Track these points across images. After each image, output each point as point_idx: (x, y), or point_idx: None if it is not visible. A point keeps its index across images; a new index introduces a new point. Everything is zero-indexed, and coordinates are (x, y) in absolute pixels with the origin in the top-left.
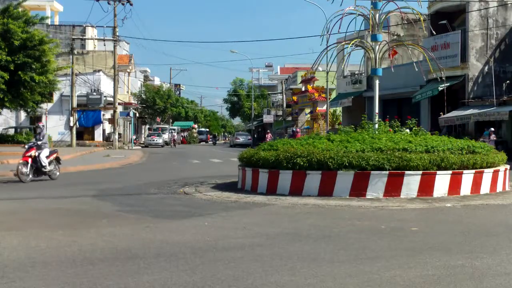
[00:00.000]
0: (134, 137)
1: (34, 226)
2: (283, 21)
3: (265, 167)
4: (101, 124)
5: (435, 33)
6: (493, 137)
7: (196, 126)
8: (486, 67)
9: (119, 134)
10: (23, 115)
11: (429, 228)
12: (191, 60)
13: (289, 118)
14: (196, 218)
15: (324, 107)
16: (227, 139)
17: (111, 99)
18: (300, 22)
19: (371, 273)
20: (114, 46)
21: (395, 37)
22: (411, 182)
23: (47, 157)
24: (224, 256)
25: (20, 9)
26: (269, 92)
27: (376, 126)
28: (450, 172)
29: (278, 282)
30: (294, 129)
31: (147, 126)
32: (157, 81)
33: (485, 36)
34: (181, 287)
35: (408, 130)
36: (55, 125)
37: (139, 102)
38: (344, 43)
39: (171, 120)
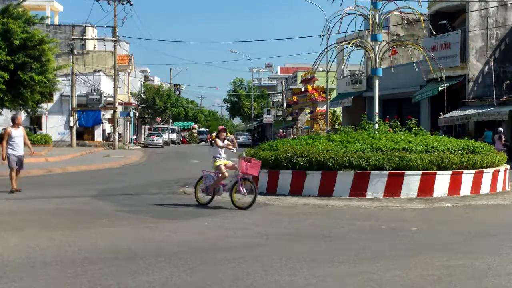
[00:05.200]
0: (134, 137)
1: (34, 226)
2: (283, 21)
3: (265, 167)
4: (101, 124)
5: (435, 33)
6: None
7: (196, 126)
8: (486, 67)
9: (119, 134)
10: (23, 115)
11: (429, 228)
12: (191, 60)
13: (289, 118)
14: (196, 218)
15: (324, 107)
16: None
17: (111, 99)
18: (300, 22)
19: (371, 273)
20: (114, 46)
21: (395, 37)
22: (411, 182)
23: None
24: (224, 256)
25: (20, 9)
26: (269, 92)
27: (376, 126)
28: (450, 172)
29: (278, 282)
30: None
31: (147, 126)
32: (157, 81)
33: (485, 36)
34: (181, 287)
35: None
36: (55, 125)
37: (139, 102)
38: (344, 43)
39: (171, 120)
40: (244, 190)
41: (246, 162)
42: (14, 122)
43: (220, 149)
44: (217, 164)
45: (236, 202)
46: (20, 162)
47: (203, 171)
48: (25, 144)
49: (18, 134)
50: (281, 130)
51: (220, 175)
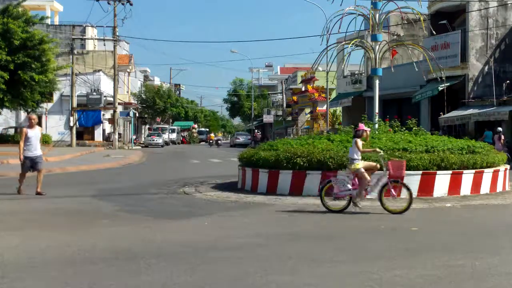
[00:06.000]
0: (134, 137)
1: (34, 226)
2: (283, 21)
3: (265, 167)
4: (101, 124)
5: (435, 33)
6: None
7: (196, 126)
8: (486, 67)
9: (119, 134)
10: (23, 115)
11: (429, 228)
12: (191, 60)
13: (289, 118)
14: (196, 218)
15: (324, 107)
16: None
17: (111, 99)
18: (300, 22)
19: (371, 273)
20: (114, 46)
21: (395, 37)
22: (411, 182)
23: None
24: (224, 256)
25: (20, 9)
26: (269, 92)
27: (376, 126)
28: (450, 172)
29: (278, 282)
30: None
31: (147, 126)
32: (157, 81)
33: (485, 36)
34: (181, 287)
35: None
36: (55, 125)
37: (139, 102)
38: (344, 43)
39: (171, 120)
40: (395, 193)
41: (392, 163)
42: (30, 122)
43: (358, 151)
44: (357, 167)
45: (388, 207)
46: (35, 162)
47: (336, 173)
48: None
49: (34, 134)
50: (256, 131)
51: (362, 180)
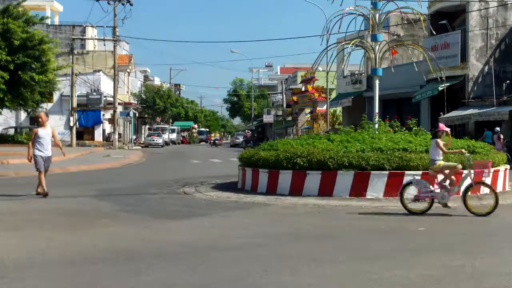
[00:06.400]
0: (134, 137)
1: (34, 226)
2: (283, 21)
3: (265, 167)
4: (101, 124)
5: (435, 33)
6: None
7: (196, 126)
8: (486, 67)
9: (119, 134)
10: (23, 115)
11: (429, 228)
12: (191, 60)
13: (289, 118)
14: (196, 218)
15: (324, 107)
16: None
17: (111, 99)
18: (300, 22)
19: (371, 273)
20: (114, 46)
21: (395, 37)
22: None
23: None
24: (224, 256)
25: (20, 9)
26: (269, 92)
27: (376, 126)
28: None
29: (278, 282)
30: None
31: (147, 126)
32: (157, 81)
33: (485, 36)
34: (181, 287)
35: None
36: (55, 125)
37: (139, 102)
38: (344, 43)
39: (171, 120)
40: (479, 194)
41: (478, 163)
42: (38, 121)
43: (440, 151)
44: (441, 164)
45: (471, 208)
46: (46, 163)
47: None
48: (55, 144)
49: (45, 133)
50: (246, 131)
51: (449, 171)
